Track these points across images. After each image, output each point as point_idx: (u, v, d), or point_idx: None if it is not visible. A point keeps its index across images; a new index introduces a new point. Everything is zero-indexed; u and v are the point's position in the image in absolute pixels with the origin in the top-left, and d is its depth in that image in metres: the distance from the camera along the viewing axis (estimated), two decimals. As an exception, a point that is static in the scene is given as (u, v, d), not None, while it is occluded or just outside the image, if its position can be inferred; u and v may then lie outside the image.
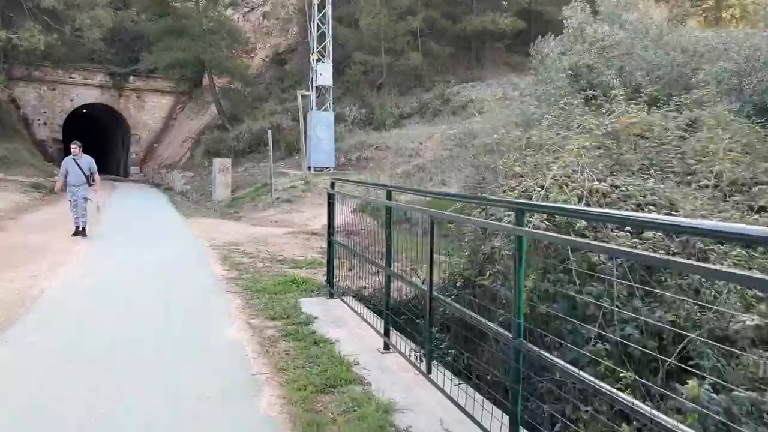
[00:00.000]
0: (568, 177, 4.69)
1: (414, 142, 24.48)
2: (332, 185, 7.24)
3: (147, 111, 45.56)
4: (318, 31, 23.92)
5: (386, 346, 5.15)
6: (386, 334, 5.13)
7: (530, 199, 5.07)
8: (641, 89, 10.93)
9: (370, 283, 7.39)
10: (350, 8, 33.86)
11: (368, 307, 6.69)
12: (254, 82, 37.16)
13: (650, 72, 11.74)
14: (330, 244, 7.21)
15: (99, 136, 51.16)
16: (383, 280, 7.47)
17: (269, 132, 19.20)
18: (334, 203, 7.20)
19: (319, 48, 23.98)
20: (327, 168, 23.60)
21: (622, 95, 8.25)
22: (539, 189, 4.91)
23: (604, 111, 9.11)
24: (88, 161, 12.34)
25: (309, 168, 22.87)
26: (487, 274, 4.86)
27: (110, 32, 43.01)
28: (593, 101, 11.82)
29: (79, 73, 41.34)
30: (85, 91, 42.17)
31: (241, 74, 35.09)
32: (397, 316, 5.45)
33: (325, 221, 16.38)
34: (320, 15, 24.27)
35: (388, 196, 5.48)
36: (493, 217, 6.21)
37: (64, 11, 26.72)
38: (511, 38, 36.76)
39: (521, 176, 6.43)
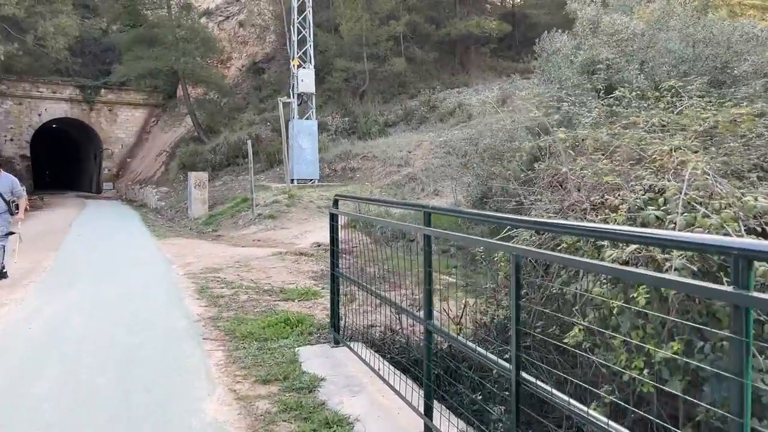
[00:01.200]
0: (697, 190, 3.36)
1: (402, 150, 23.12)
2: (335, 203, 5.77)
3: (119, 125, 43.79)
4: (298, 36, 22.50)
5: None
6: (427, 412, 3.67)
7: (643, 223, 3.62)
8: (659, 85, 9.68)
9: (380, 318, 5.98)
10: (330, 13, 32.57)
11: (388, 359, 5.26)
12: (231, 92, 35.66)
13: (676, 66, 10.49)
14: (334, 277, 5.75)
15: (70, 151, 49.24)
16: (398, 321, 6.06)
17: (249, 142, 17.69)
18: (337, 225, 5.72)
19: (300, 53, 22.56)
20: (311, 180, 22.13)
21: (694, 87, 6.91)
22: (656, 207, 3.53)
23: (637, 107, 7.82)
24: (8, 181, 9.47)
25: (292, 180, 21.41)
26: (576, 330, 3.47)
27: (79, 43, 41.26)
28: (615, 100, 10.56)
29: (47, 86, 39.56)
30: (54, 105, 40.34)
31: (216, 84, 33.58)
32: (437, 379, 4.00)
33: (313, 239, 14.95)
34: (300, 18, 22.87)
35: (427, 221, 4.03)
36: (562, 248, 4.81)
37: (25, 18, 24.97)
38: (496, 43, 35.75)
39: (611, 189, 5.02)
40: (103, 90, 42.39)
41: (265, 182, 22.44)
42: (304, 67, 22.19)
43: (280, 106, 18.85)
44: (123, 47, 32.88)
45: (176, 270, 10.12)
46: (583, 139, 6.19)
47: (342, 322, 5.71)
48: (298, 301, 7.84)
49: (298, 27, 22.48)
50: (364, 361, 5.00)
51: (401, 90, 32.86)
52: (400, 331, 5.86)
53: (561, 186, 5.77)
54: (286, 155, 19.65)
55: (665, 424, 2.74)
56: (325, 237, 15.14)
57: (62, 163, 50.02)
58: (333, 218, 5.67)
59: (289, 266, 10.73)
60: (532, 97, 12.67)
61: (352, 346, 5.40)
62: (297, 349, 5.52)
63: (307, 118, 22.75)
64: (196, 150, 30.47)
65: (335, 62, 30.32)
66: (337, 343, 5.61)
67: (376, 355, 5.20)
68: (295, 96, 22.13)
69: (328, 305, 7.59)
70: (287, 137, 20.80)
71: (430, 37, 33.08)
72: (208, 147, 30.24)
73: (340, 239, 5.77)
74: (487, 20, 32.86)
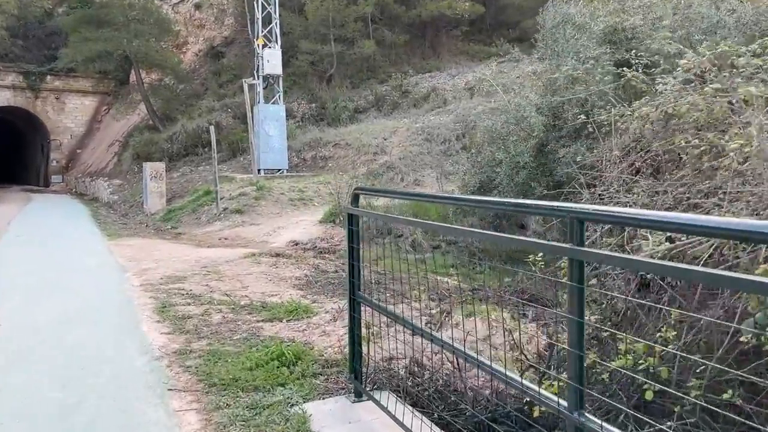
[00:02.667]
0: None
1: (377, 137, 21.55)
2: (355, 199, 4.12)
3: (68, 114, 41.12)
4: (263, 13, 20.62)
5: None
6: None
7: None
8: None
9: (407, 349, 4.51)
10: (294, -8, 30.64)
11: (434, 418, 3.75)
12: (188, 77, 33.45)
13: (708, 33, 9.17)
14: (354, 305, 4.13)
15: (14, 143, 46.14)
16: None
17: (211, 128, 15.87)
18: (358, 230, 4.12)
19: (265, 32, 20.69)
20: (279, 170, 20.37)
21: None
22: None
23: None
24: None
25: (259, 171, 19.61)
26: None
27: (21, 26, 38.49)
28: (640, 73, 9.21)
29: (-15, 73, 36.80)
30: (-4, 93, 37.57)
31: (172, 68, 31.36)
32: None
33: (289, 236, 13.23)
34: (265, -7, 20.97)
35: (579, 235, 2.45)
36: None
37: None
38: (467, 25, 34.31)
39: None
40: (49, 76, 39.66)
41: (229, 173, 20.60)
42: (269, 47, 20.35)
43: (245, 88, 17.07)
44: (69, 29, 30.37)
45: (131, 280, 8.37)
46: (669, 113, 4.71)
47: (366, 367, 4.12)
48: (287, 321, 6.22)
49: (262, 3, 20.59)
50: (404, 427, 3.43)
51: (370, 75, 31.19)
52: (458, 378, 4.34)
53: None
54: (252, 143, 17.84)
55: None
56: (302, 234, 13.52)
57: (6, 155, 46.84)
58: (351, 221, 4.06)
59: (267, 272, 9.08)
60: (534, 74, 11.22)
61: (380, 399, 3.82)
62: (304, 406, 3.92)
63: (273, 103, 20.93)
64: (152, 139, 28.34)
65: (300, 44, 28.46)
66: (359, 396, 4.02)
67: (420, 414, 3.65)
68: (260, 78, 20.28)
69: (326, 327, 6.02)
70: (253, 123, 18.97)
71: (400, 19, 31.43)
72: (164, 136, 28.14)
73: (360, 251, 4.14)
74: (458, 1, 31.34)
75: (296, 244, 12.01)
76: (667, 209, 3.67)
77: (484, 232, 3.48)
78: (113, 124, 37.37)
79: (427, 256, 12.19)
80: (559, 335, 4.62)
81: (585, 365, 2.17)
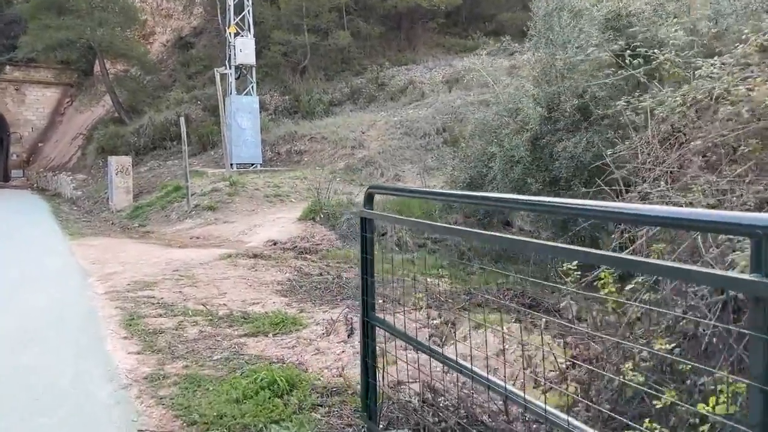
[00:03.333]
0: None
1: (355, 131, 20.82)
2: (369, 199, 3.34)
3: (29, 106, 39.63)
4: (234, 0, 19.69)
5: None
6: None
7: None
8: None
9: (413, 368, 3.83)
10: (267, -20, 29.65)
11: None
12: (155, 68, 32.24)
13: (716, 19, 8.66)
14: (368, 328, 3.39)
15: (-29, 135, 44.31)
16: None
17: (181, 120, 14.96)
18: (372, 237, 3.39)
19: (237, 20, 19.78)
20: (253, 164, 19.52)
21: None
22: None
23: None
24: None
25: (232, 165, 18.72)
26: None
27: (-23, 14, 36.92)
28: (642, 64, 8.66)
29: (-60, 63, 35.18)
30: (-49, 84, 35.96)
31: (139, 59, 30.17)
32: None
33: (266, 235, 12.42)
34: (236, -20, 20.04)
35: None
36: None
37: None
38: (443, 17, 33.70)
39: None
40: (8, 67, 38.21)
41: (199, 167, 19.69)
42: (242, 36, 19.44)
43: (217, 78, 16.18)
44: (28, 16, 28.97)
45: (95, 286, 7.53)
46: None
47: (380, 400, 3.42)
48: (274, 335, 5.49)
49: (234, -10, 19.69)
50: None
51: (345, 67, 30.39)
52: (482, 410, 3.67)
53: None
54: (224, 136, 16.96)
55: None
56: (280, 233, 12.71)
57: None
58: (365, 226, 3.33)
59: (246, 275, 8.31)
60: (530, 64, 10.60)
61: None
62: (309, 452, 3.22)
63: (246, 94, 20.05)
64: (117, 132, 27.20)
65: (273, 35, 27.51)
66: (374, 438, 3.32)
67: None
68: (232, 68, 19.37)
69: (319, 342, 5.32)
70: (225, 116, 18.06)
71: (375, 10, 30.68)
72: (130, 129, 27.04)
73: (373, 261, 3.42)
74: (435, -8, 30.66)
75: (275, 244, 11.24)
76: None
77: (529, 240, 2.77)
78: (77, 117, 35.96)
79: (415, 256, 11.54)
80: (585, 352, 4.01)
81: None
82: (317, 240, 11.71)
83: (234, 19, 19.51)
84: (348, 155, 19.38)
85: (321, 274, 8.85)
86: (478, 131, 10.82)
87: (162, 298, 6.81)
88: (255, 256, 9.87)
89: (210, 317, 6.07)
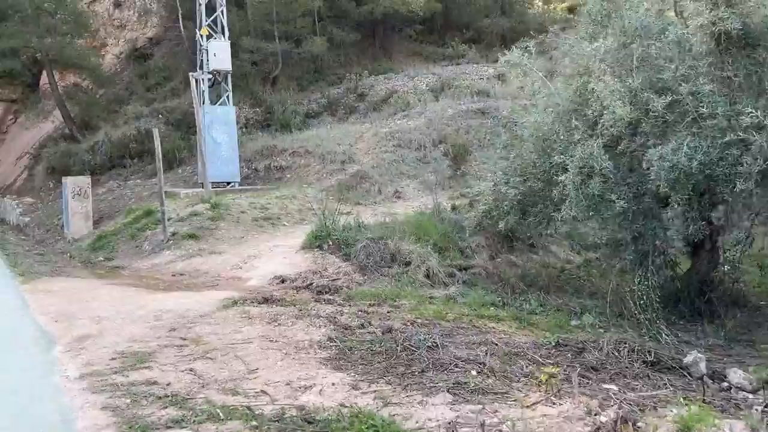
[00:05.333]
0: None
1: (342, 144, 18.76)
2: None
3: (-33, 123, 36.19)
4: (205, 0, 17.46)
5: None
6: None
7: None
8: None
9: None
10: (233, -16, 27.40)
11: None
12: (109, 80, 29.59)
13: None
14: None
15: None
16: None
17: (155, 132, 12.66)
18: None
19: (209, 21, 17.54)
20: (230, 183, 17.25)
21: None
22: None
23: None
24: None
25: (202, 184, 16.40)
26: None
27: None
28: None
29: None
30: None
31: (92, 70, 27.47)
32: None
33: (268, 269, 9.86)
34: (207, -23, 17.82)
35: None
36: None
37: None
38: (420, 24, 32.00)
39: None
40: (-57, 81, 34.77)
41: (168, 188, 17.29)
42: (215, 38, 17.21)
43: (193, 83, 13.91)
44: (-36, 23, 26.04)
45: (64, 362, 5.26)
46: None
47: None
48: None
49: (205, -12, 17.45)
50: None
51: (318, 76, 28.36)
52: None
53: None
54: (202, 151, 14.67)
55: None
56: (285, 266, 10.38)
57: None
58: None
59: (269, 334, 6.16)
60: (596, 56, 8.71)
61: None
62: None
63: (221, 104, 17.80)
64: (69, 150, 24.40)
65: (241, 42, 25.24)
66: None
67: None
68: (206, 75, 17.10)
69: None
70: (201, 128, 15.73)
71: (350, 16, 28.75)
72: (84, 146, 24.30)
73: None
74: (413, -3, 28.91)
75: (282, 281, 9.11)
76: None
77: None
78: (22, 134, 32.82)
79: (452, 291, 9.52)
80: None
81: None
82: (332, 274, 9.60)
83: (206, 21, 17.26)
84: (338, 170, 17.30)
85: (363, 326, 6.76)
86: (532, 139, 8.89)
87: (168, 384, 4.63)
88: (266, 300, 7.73)
89: (254, 422, 3.93)
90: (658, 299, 7.96)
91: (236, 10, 26.58)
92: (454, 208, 13.72)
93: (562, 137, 8.34)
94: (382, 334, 6.39)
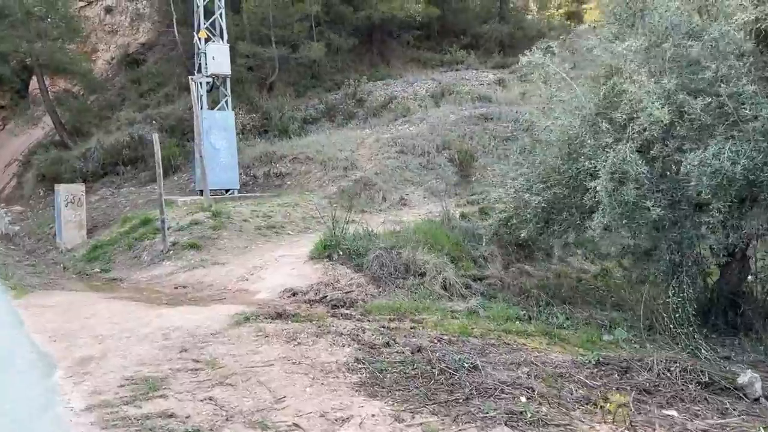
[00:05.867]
0: None
1: (344, 150, 18.27)
2: None
3: (-46, 130, 35.43)
4: (204, 1, 16.96)
5: None
6: None
7: None
8: None
9: None
10: (229, -12, 26.90)
11: None
12: (101, 85, 28.99)
13: None
14: None
15: None
16: None
17: (155, 136, 12.10)
18: None
19: (207, 24, 17.04)
20: (230, 190, 16.71)
21: None
22: None
23: None
24: None
25: (200, 192, 15.85)
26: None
27: None
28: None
29: None
30: None
31: (83, 76, 26.85)
32: None
33: (276, 281, 8.99)
34: (205, -21, 17.33)
35: None
36: None
37: None
38: (417, 30, 31.60)
39: None
40: (-70, 87, 34.03)
41: (165, 195, 16.71)
42: (214, 42, 16.70)
43: (193, 87, 13.39)
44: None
45: (67, 391, 4.70)
46: None
47: None
48: None
49: (202, -10, 16.95)
50: None
51: (315, 82, 27.90)
52: None
53: None
54: (201, 157, 14.13)
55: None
56: (294, 277, 9.84)
57: None
58: None
59: (290, 355, 5.63)
60: (628, 55, 8.26)
61: None
62: None
63: (220, 109, 17.27)
64: (60, 157, 23.75)
65: (238, 46, 24.75)
66: None
67: None
68: (204, 78, 16.57)
69: None
70: (200, 133, 15.18)
71: (347, 21, 28.31)
72: (75, 153, 23.66)
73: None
74: (412, 2, 28.49)
75: (294, 294, 8.58)
76: None
77: None
78: (11, 141, 32.09)
79: (473, 304, 9.02)
80: None
81: None
82: (345, 286, 9.08)
83: (204, 24, 16.75)
84: (341, 177, 16.81)
85: (389, 344, 6.24)
86: (558, 143, 8.43)
87: (188, 418, 4.09)
88: (280, 315, 7.20)
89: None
90: (693, 312, 7.52)
91: (232, 15, 26.10)
92: (463, 215, 13.28)
93: (589, 141, 7.87)
94: (412, 353, 5.88)
